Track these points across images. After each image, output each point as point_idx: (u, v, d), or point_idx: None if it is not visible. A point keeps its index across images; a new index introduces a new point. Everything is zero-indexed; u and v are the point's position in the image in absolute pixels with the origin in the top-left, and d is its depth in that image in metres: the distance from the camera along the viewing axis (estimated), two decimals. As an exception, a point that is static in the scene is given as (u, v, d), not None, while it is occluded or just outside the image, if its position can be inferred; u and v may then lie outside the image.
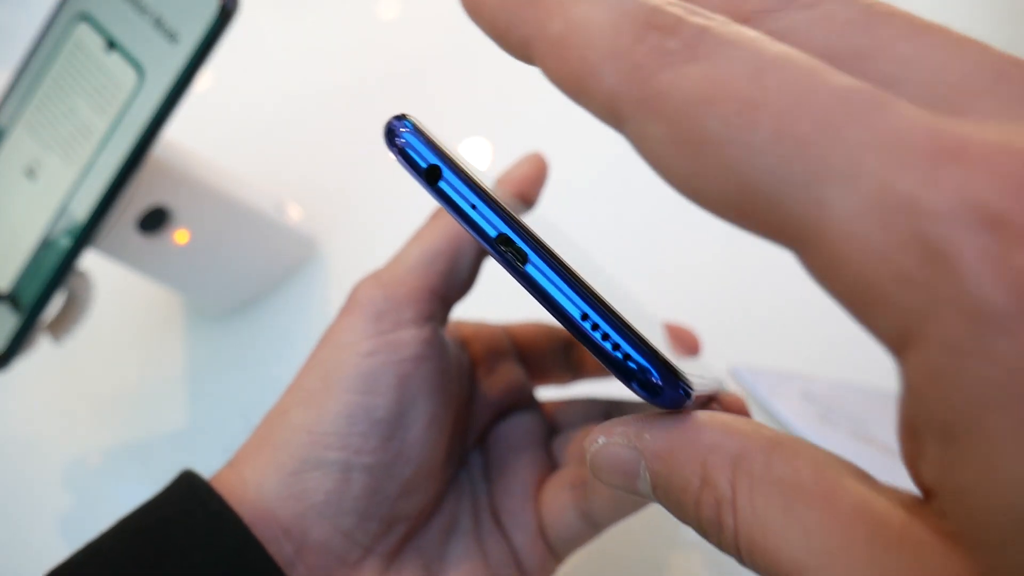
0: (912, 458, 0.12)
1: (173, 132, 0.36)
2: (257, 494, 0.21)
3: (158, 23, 0.32)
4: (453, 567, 0.24)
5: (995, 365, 0.09)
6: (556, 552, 0.25)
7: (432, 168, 0.15)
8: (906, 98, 0.11)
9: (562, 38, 0.13)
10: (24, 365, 0.38)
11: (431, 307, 0.22)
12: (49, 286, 0.34)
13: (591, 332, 0.15)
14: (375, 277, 0.23)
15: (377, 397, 0.21)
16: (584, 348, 0.27)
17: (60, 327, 0.37)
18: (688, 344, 0.28)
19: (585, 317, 0.15)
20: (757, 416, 0.34)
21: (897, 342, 0.11)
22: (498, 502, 0.25)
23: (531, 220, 0.20)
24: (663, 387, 0.14)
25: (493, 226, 0.15)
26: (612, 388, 0.27)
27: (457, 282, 0.23)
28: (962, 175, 0.10)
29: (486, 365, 0.26)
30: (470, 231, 0.15)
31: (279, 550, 0.21)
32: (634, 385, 0.15)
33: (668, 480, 0.15)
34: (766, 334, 0.36)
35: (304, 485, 0.21)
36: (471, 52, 0.51)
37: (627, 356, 0.14)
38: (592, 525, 0.24)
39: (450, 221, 0.23)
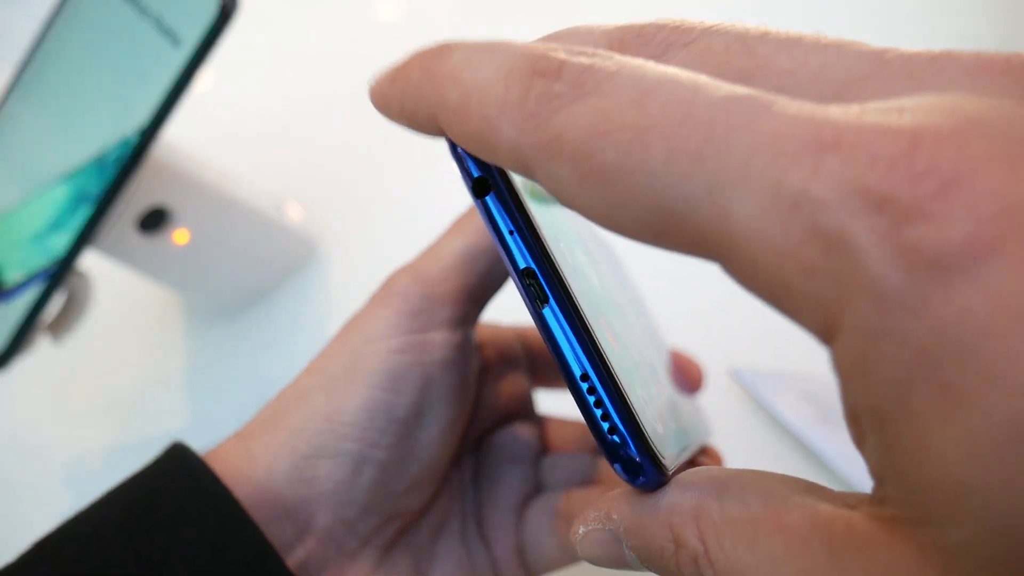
0: (859, 445, 0.12)
1: (173, 132, 0.36)
2: (265, 473, 0.21)
3: (159, 23, 0.32)
4: (440, 566, 0.24)
5: (906, 345, 0.10)
6: (530, 572, 0.25)
7: (482, 181, 0.15)
8: (792, 98, 0.11)
9: (460, 104, 0.13)
10: (24, 365, 0.38)
11: (466, 310, 0.22)
12: (49, 286, 0.34)
13: (585, 394, 0.15)
14: (413, 270, 0.22)
15: (400, 396, 0.21)
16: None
17: (60, 327, 0.37)
18: (691, 378, 0.27)
19: (584, 378, 0.15)
20: (758, 417, 0.34)
21: (823, 334, 0.11)
22: (483, 512, 0.25)
23: (579, 227, 0.20)
24: (642, 471, 0.15)
25: (523, 258, 0.15)
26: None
27: (494, 284, 0.23)
28: (843, 162, 0.10)
29: (496, 372, 0.26)
30: (501, 253, 0.15)
31: (280, 532, 0.21)
32: (617, 467, 0.15)
33: (647, 551, 0.15)
34: (767, 335, 0.36)
35: (315, 471, 0.21)
36: (471, 52, 0.51)
37: (613, 429, 0.15)
38: (569, 555, 0.24)
39: None
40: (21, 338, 0.35)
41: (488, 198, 0.15)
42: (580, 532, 0.17)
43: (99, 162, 0.32)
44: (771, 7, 0.45)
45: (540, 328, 0.15)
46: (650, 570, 0.16)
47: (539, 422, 0.28)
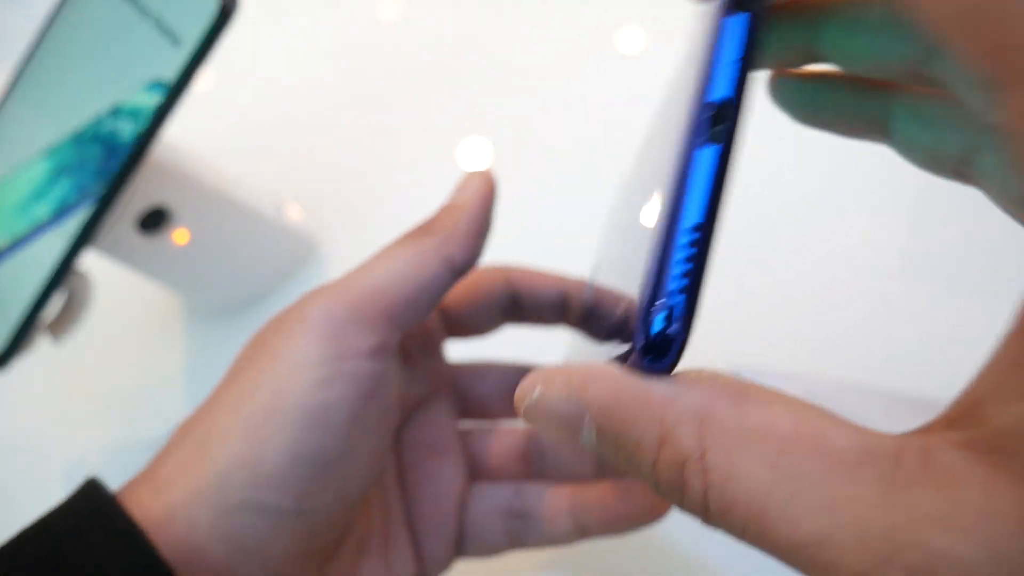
0: None
1: (173, 132, 0.36)
2: (187, 529, 0.19)
3: (159, 23, 0.32)
4: None
5: None
6: (462, 554, 0.24)
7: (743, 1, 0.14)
8: None
9: None
10: (24, 365, 0.38)
11: (393, 335, 0.21)
12: (49, 286, 0.34)
13: (682, 246, 0.13)
14: (334, 292, 0.21)
15: (327, 438, 0.20)
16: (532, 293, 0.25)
17: (60, 327, 0.37)
18: None
19: (697, 229, 0.13)
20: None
21: (992, 76, 0.09)
22: (415, 511, 0.24)
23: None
24: (670, 352, 0.13)
25: (727, 90, 0.14)
26: (523, 351, 0.27)
27: (419, 310, 0.21)
28: None
29: (414, 361, 0.25)
30: (705, 74, 0.14)
31: None
32: (647, 335, 0.13)
33: (617, 440, 0.13)
34: (768, 335, 0.36)
35: (238, 527, 0.19)
36: (471, 52, 0.51)
37: (682, 291, 0.13)
38: (520, 546, 0.24)
39: (426, 246, 0.21)
40: (21, 338, 0.35)
41: (731, 19, 0.14)
42: (535, 395, 0.15)
43: (76, 138, 0.33)
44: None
45: (684, 165, 0.14)
46: (604, 455, 0.14)
47: (455, 385, 0.26)
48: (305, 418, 0.19)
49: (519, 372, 0.27)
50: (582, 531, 0.24)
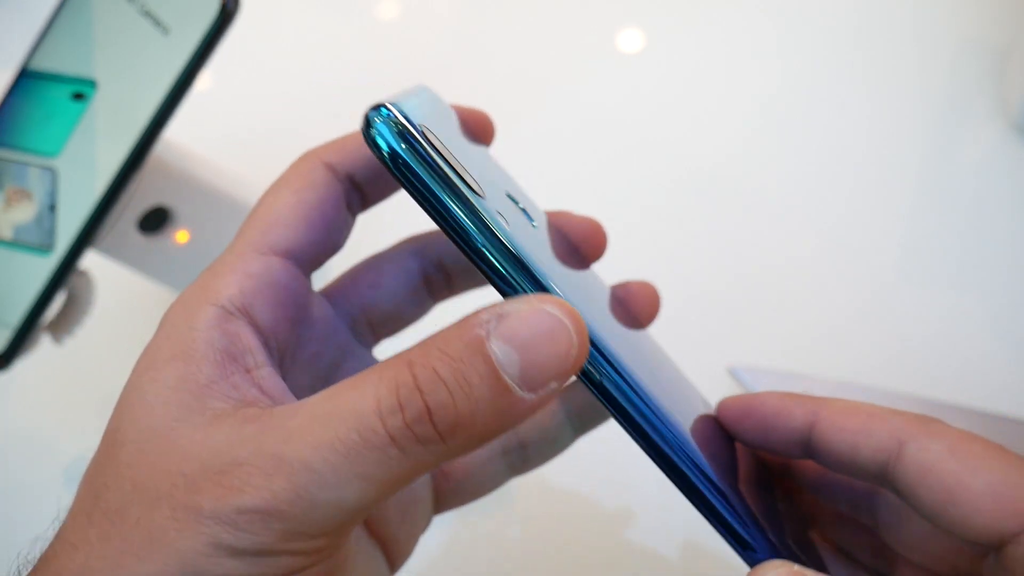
0: None
1: (173, 132, 0.36)
2: None
3: (159, 23, 0.32)
4: None
5: None
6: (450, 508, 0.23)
7: None
8: None
9: None
10: (24, 365, 0.38)
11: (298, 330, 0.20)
12: (50, 286, 0.34)
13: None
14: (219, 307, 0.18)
15: None
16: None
17: (60, 327, 0.37)
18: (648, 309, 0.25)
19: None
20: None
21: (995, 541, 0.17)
22: (380, 519, 0.21)
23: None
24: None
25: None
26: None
27: (323, 239, 0.20)
28: None
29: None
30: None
31: None
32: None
33: None
34: (766, 334, 0.36)
35: None
36: (471, 53, 0.51)
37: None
38: (520, 473, 0.23)
39: (292, 175, 0.21)
40: (22, 339, 0.35)
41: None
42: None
43: None
44: (770, 30, 0.45)
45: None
46: None
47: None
48: None
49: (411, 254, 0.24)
50: (580, 423, 0.23)
